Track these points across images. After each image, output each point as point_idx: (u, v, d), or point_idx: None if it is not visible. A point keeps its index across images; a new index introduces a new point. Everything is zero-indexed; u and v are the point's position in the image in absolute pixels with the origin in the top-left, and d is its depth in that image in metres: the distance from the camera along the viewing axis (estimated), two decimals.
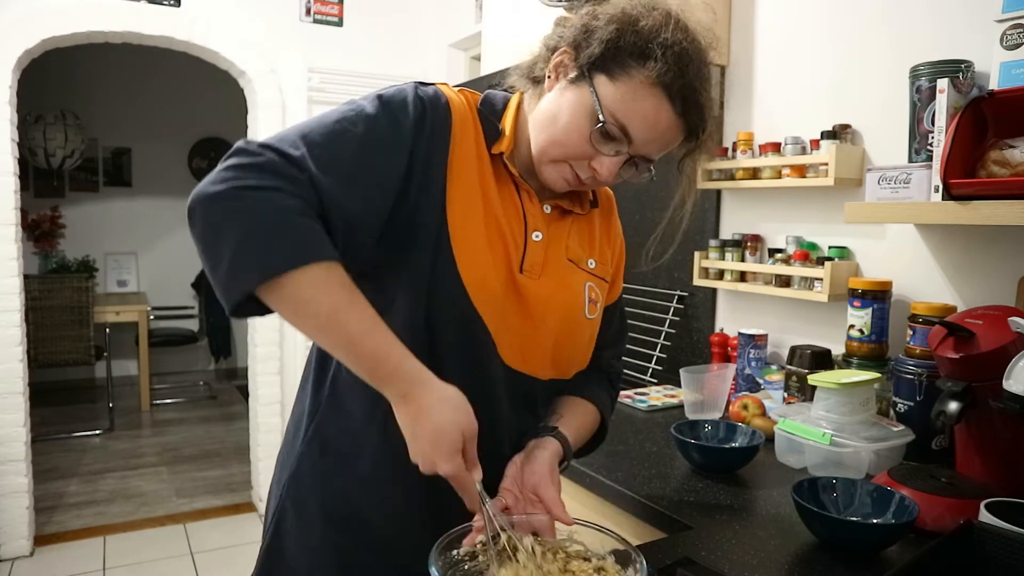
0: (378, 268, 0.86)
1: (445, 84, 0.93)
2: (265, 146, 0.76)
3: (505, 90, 0.99)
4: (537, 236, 0.94)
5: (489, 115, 0.94)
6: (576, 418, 1.01)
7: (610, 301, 1.08)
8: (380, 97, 0.86)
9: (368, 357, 0.76)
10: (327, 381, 0.94)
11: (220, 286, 0.72)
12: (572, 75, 0.87)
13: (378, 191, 0.82)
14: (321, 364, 0.96)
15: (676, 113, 0.84)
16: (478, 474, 0.79)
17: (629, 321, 2.40)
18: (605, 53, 0.84)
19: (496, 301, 0.89)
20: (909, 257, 1.56)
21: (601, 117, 0.84)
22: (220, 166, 0.74)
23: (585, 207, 1.02)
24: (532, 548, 0.80)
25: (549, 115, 0.89)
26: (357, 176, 0.80)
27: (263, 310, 0.75)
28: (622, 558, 0.80)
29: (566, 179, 0.90)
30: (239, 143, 0.77)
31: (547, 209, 0.96)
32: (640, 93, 0.83)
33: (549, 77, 0.90)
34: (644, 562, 0.76)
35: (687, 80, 0.83)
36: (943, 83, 1.25)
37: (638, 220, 2.31)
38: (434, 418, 0.76)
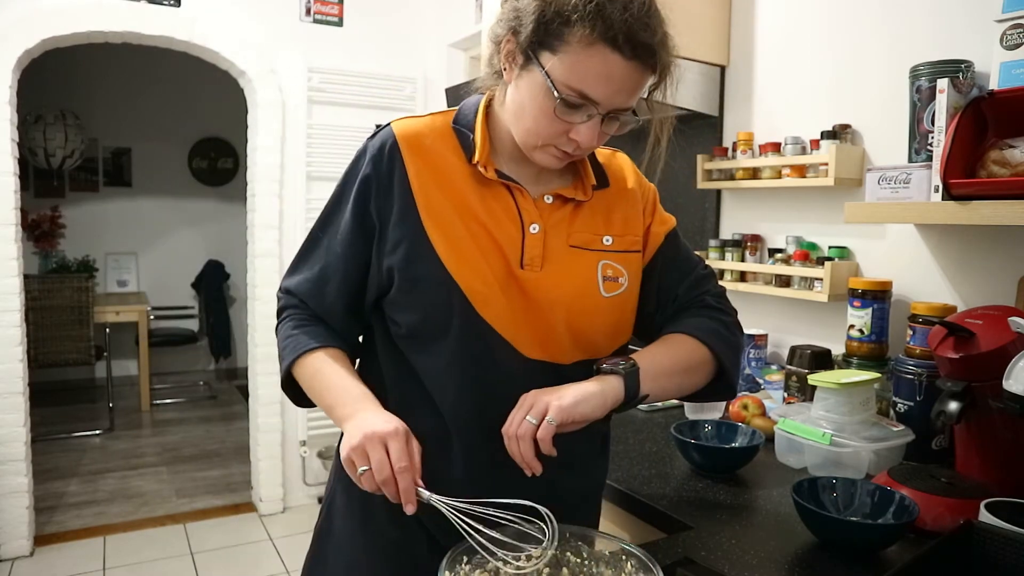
0: (393, 301, 0.97)
1: (405, 118, 1.01)
2: (282, 291, 1.06)
3: (477, 91, 1.02)
4: (534, 228, 0.96)
5: (463, 128, 0.98)
6: (654, 350, 0.99)
7: (654, 247, 1.05)
8: (339, 184, 1.02)
9: (328, 408, 0.95)
10: (386, 394, 1.00)
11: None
12: (521, 60, 0.88)
13: (353, 270, 0.99)
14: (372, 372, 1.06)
15: (625, 59, 0.83)
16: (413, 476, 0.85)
17: None
18: (537, 30, 0.85)
19: (499, 301, 0.93)
20: (909, 257, 1.56)
21: (556, 93, 0.85)
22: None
23: (588, 192, 1.01)
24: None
25: (516, 106, 0.91)
26: (328, 277, 1.00)
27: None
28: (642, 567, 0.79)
29: (556, 157, 0.92)
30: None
31: (548, 200, 0.98)
32: (582, 55, 0.83)
33: (505, 68, 0.92)
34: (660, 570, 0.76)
35: (620, 24, 0.81)
36: (943, 83, 1.25)
37: None
38: (357, 426, 0.86)
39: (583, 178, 1.02)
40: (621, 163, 1.09)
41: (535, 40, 0.85)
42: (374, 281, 0.98)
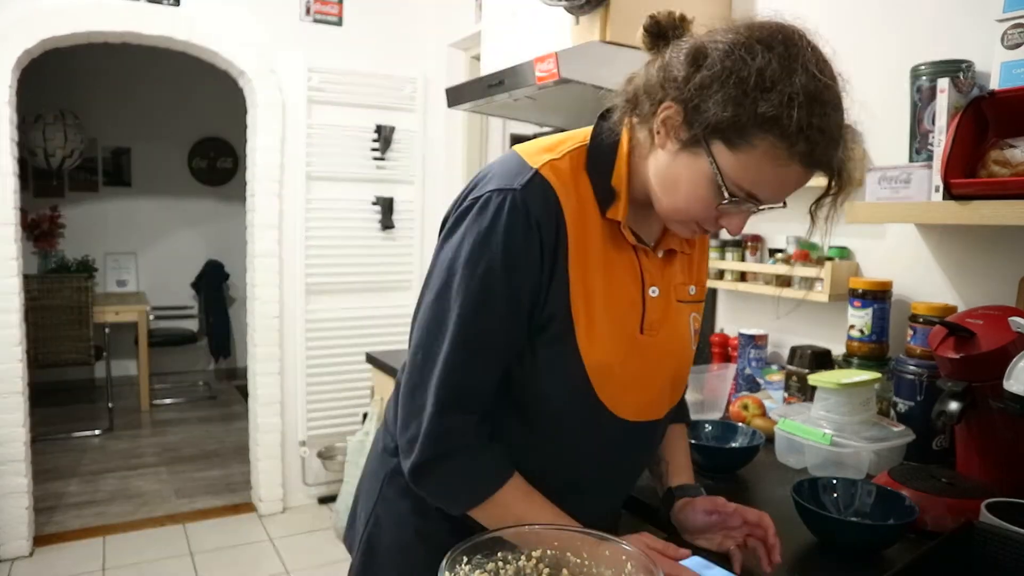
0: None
1: (547, 163, 0.85)
2: (433, 435, 0.85)
3: (610, 124, 0.90)
4: (654, 292, 0.92)
5: (599, 176, 0.87)
6: (680, 453, 1.11)
7: (703, 297, 1.06)
8: (487, 268, 0.82)
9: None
10: None
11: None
12: (684, 136, 0.79)
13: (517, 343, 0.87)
14: None
15: (805, 167, 0.78)
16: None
17: None
18: (722, 124, 0.75)
19: (615, 376, 0.89)
20: (909, 257, 1.56)
21: (725, 193, 0.78)
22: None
23: (694, 245, 1.00)
24: None
25: (669, 181, 0.83)
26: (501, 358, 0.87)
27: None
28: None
29: (694, 232, 0.87)
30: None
31: (660, 254, 0.94)
32: (765, 165, 0.76)
33: (658, 133, 0.82)
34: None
35: (817, 148, 0.76)
36: (943, 83, 1.25)
37: None
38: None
39: None
40: None
41: (714, 129, 0.76)
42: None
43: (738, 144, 0.75)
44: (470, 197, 0.86)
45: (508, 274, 0.82)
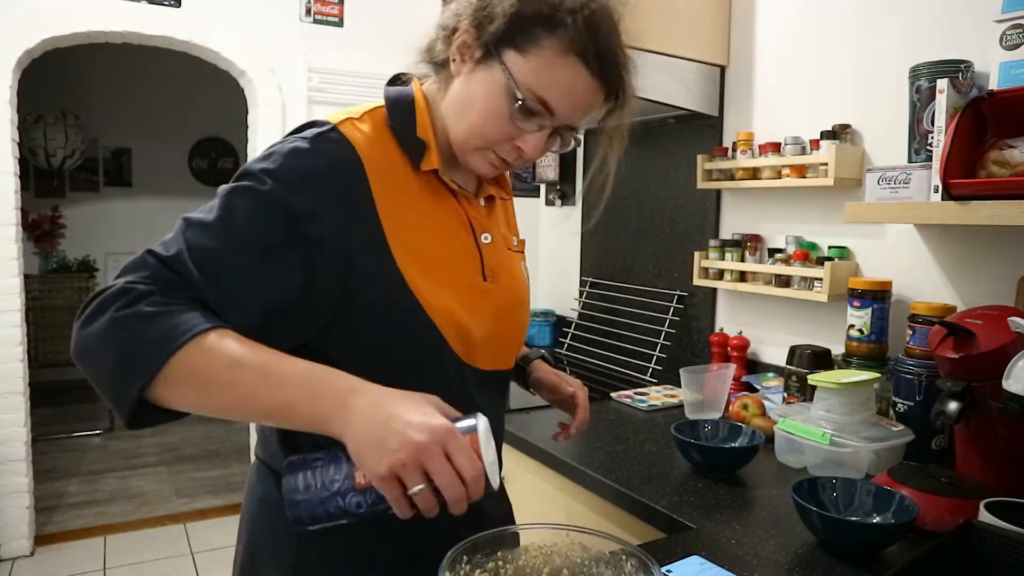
0: (349, 331, 0.81)
1: (346, 120, 0.83)
2: (151, 254, 0.77)
3: (404, 82, 0.91)
4: (487, 238, 0.91)
5: (404, 129, 0.86)
6: None
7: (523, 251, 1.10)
8: (268, 172, 0.76)
9: (283, 407, 0.68)
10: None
11: (111, 400, 0.69)
12: (478, 54, 0.81)
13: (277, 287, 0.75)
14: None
15: (593, 76, 0.81)
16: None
17: (628, 320, 2.40)
18: (510, 27, 0.79)
19: (465, 325, 0.85)
20: (909, 257, 1.56)
21: (519, 94, 0.79)
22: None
23: (508, 190, 1.03)
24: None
25: (463, 102, 0.83)
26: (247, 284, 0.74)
27: (165, 415, 0.70)
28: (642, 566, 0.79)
29: (493, 164, 0.86)
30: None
31: (482, 202, 0.94)
32: (554, 63, 0.79)
33: (454, 60, 0.84)
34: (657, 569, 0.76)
35: (600, 41, 0.79)
36: (943, 83, 1.25)
37: (637, 220, 2.31)
38: (387, 428, 0.64)
39: (502, 177, 0.99)
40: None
41: (503, 37, 0.79)
42: (315, 308, 0.78)
43: (526, 47, 0.79)
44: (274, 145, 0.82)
45: (291, 197, 0.75)
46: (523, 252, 1.03)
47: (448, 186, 0.88)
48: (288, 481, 0.69)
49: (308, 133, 0.80)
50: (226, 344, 0.68)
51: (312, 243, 0.75)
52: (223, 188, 0.79)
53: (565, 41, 0.78)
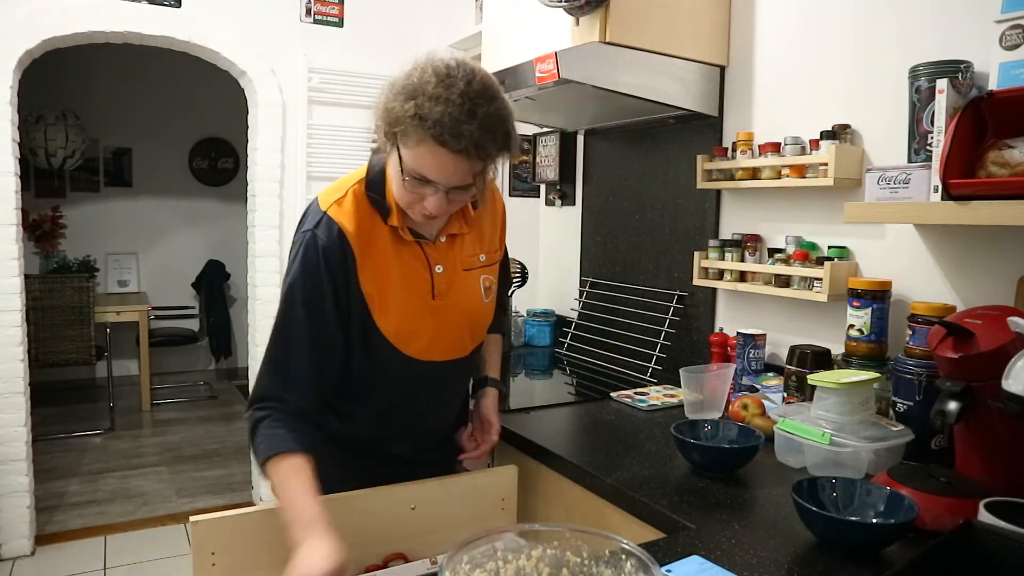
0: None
1: (333, 204, 1.18)
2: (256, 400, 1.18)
3: (379, 156, 1.21)
4: (439, 269, 1.25)
5: (376, 196, 1.19)
6: (493, 354, 1.50)
7: (498, 259, 1.39)
8: (292, 288, 1.17)
9: (286, 522, 1.06)
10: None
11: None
12: (388, 144, 1.10)
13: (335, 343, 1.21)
14: None
15: (452, 151, 1.03)
16: None
17: (628, 320, 2.41)
18: (387, 130, 1.07)
19: (416, 333, 1.24)
20: (909, 257, 1.57)
21: (403, 176, 1.09)
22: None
23: (470, 224, 1.29)
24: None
25: (390, 176, 1.17)
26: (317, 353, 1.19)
27: None
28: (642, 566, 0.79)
29: (419, 215, 1.15)
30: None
31: (443, 239, 1.26)
32: (418, 151, 1.05)
33: (384, 147, 1.13)
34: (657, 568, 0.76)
35: (442, 125, 1.01)
36: (942, 83, 1.25)
37: (637, 220, 2.31)
38: (304, 561, 0.99)
39: (464, 211, 1.26)
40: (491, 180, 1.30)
41: (389, 135, 1.08)
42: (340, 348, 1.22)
43: (402, 139, 1.06)
44: (296, 235, 1.21)
45: (308, 290, 1.16)
46: (494, 264, 1.36)
47: (405, 236, 1.21)
48: None
49: (307, 226, 1.18)
50: (278, 472, 1.10)
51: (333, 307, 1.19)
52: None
53: (415, 136, 1.04)
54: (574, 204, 2.69)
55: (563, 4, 1.76)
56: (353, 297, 1.19)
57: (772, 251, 1.86)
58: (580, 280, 2.61)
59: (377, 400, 1.29)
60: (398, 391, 1.29)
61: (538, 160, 2.84)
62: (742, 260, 1.90)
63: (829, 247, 1.70)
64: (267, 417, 1.14)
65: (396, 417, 1.32)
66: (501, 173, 1.24)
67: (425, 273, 1.24)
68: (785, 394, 1.65)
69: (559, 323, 2.68)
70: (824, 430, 1.29)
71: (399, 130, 1.05)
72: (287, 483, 1.08)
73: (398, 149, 1.08)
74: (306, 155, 3.23)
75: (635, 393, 1.93)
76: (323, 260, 1.15)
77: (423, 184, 1.08)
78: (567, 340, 2.55)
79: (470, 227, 1.30)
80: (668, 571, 0.94)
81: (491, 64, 2.19)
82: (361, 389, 1.27)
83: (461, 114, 1.02)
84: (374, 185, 1.20)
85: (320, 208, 1.19)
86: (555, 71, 1.79)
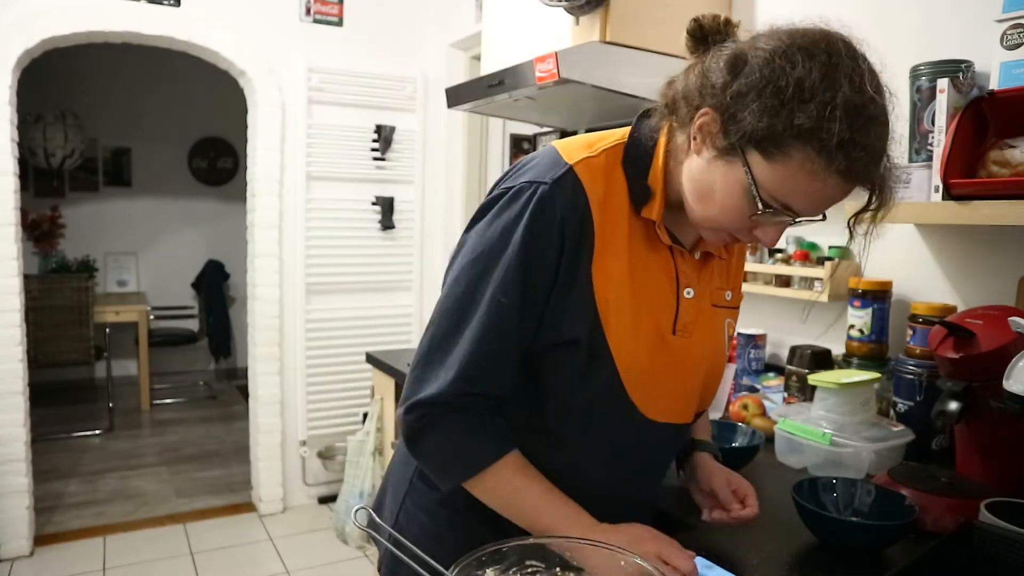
0: (537, 356, 0.88)
1: (583, 160, 0.85)
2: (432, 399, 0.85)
3: (650, 124, 0.89)
4: (689, 293, 0.91)
5: (635, 174, 0.87)
6: (703, 421, 1.13)
7: (739, 304, 1.05)
8: (508, 258, 0.82)
9: (546, 527, 0.84)
10: None
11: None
12: (721, 144, 0.77)
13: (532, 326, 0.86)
14: None
15: (843, 182, 0.75)
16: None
17: None
18: (758, 134, 0.73)
19: (645, 375, 0.88)
20: (909, 257, 1.56)
21: (759, 204, 0.76)
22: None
23: (732, 251, 1.00)
24: None
25: (702, 188, 0.81)
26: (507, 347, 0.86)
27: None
28: None
29: (724, 241, 0.87)
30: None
31: (697, 256, 0.94)
32: (801, 177, 0.73)
33: (695, 139, 0.80)
34: None
35: (858, 160, 0.72)
36: (943, 83, 1.25)
37: None
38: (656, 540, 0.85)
39: None
40: None
41: (751, 138, 0.74)
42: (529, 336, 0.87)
43: (774, 155, 0.74)
44: (502, 185, 0.87)
45: (524, 267, 0.82)
46: (736, 310, 1.02)
47: (663, 238, 0.89)
48: None
49: (548, 177, 0.83)
50: (502, 477, 0.86)
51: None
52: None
53: (819, 162, 0.72)
54: None
55: (563, 3, 1.75)
56: (579, 297, 0.84)
57: (772, 251, 1.86)
58: None
59: (573, 448, 0.92)
60: (608, 445, 0.92)
61: None
62: None
63: (830, 247, 1.70)
64: (459, 415, 0.85)
65: (592, 475, 0.94)
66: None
67: (670, 295, 0.90)
68: (786, 394, 1.65)
69: None
70: (825, 430, 1.29)
71: (778, 140, 0.72)
72: (530, 487, 0.85)
73: (746, 164, 0.75)
74: (306, 155, 3.23)
75: None
76: (560, 229, 0.82)
77: (774, 213, 0.78)
78: None
79: (729, 253, 0.99)
80: None
81: (491, 64, 2.19)
82: (554, 424, 0.90)
83: (876, 151, 0.75)
84: (635, 160, 0.87)
85: (563, 159, 0.85)
86: (555, 71, 1.79)
